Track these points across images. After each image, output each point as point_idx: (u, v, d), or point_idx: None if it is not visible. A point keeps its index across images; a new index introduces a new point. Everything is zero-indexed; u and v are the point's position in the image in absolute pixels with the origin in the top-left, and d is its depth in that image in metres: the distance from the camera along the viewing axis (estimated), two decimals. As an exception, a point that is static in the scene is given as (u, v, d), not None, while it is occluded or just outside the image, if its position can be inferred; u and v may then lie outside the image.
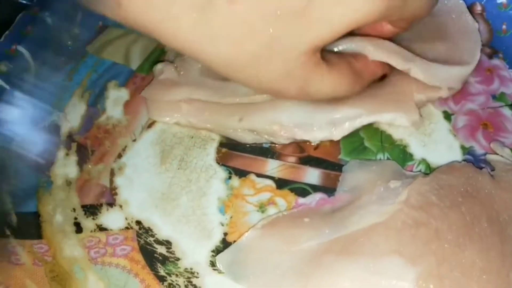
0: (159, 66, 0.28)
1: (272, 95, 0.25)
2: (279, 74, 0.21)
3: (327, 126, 0.25)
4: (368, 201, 0.24)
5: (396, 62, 0.25)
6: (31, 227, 0.24)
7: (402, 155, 0.26)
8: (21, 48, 0.29)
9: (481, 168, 0.25)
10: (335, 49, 0.24)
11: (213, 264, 0.23)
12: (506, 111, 0.28)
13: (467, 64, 0.26)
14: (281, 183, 0.26)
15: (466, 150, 0.26)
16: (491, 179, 0.24)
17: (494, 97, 0.28)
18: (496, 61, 0.29)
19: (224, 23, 0.19)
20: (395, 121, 0.26)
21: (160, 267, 0.23)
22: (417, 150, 0.26)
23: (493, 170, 0.25)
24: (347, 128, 0.26)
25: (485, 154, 0.26)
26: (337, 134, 0.25)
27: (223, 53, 0.20)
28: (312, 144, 0.26)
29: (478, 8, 0.30)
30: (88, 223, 0.25)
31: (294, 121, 0.25)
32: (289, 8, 0.19)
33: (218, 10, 0.18)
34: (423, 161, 0.26)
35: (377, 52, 0.24)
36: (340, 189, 0.25)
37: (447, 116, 0.27)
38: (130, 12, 0.19)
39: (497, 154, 0.26)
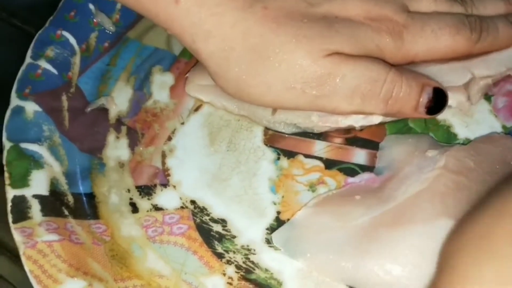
0: None
1: (299, 90, 0.23)
2: (304, 60, 0.23)
3: None
4: (409, 171, 0.25)
5: (454, 81, 0.25)
6: (87, 207, 0.25)
7: (446, 135, 0.27)
8: (66, 33, 0.29)
9: None
10: None
11: (268, 241, 0.24)
12: (545, 91, 0.28)
13: None
14: (329, 163, 0.26)
15: (507, 130, 0.27)
16: None
17: (532, 78, 0.28)
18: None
19: (258, 20, 0.23)
20: None
21: (217, 244, 0.24)
22: (460, 130, 0.27)
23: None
24: None
25: (525, 134, 0.27)
26: (376, 119, 0.25)
27: (252, 46, 0.23)
28: (356, 128, 0.27)
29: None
30: (143, 203, 0.25)
31: None
32: (313, 18, 0.23)
33: (255, 12, 0.23)
34: (467, 140, 0.27)
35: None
36: (379, 165, 0.26)
37: (487, 97, 0.28)
38: (183, 11, 0.23)
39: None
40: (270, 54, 0.22)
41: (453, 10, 0.25)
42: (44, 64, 0.28)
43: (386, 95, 0.23)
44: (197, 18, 0.23)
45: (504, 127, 0.27)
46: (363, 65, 0.23)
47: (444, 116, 0.27)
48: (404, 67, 0.24)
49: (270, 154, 0.27)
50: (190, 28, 0.23)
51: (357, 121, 0.25)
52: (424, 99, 0.24)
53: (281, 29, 0.22)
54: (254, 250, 0.24)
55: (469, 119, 0.27)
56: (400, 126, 0.27)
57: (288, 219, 0.24)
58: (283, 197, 0.25)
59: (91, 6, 0.30)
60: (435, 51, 0.24)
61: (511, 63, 0.25)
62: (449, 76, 0.25)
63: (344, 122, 0.25)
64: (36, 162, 0.25)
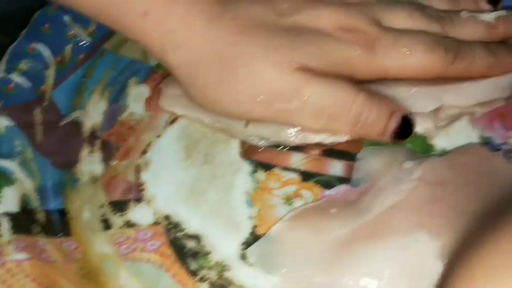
0: None
1: (267, 101, 0.23)
2: (273, 71, 0.22)
3: None
4: (386, 183, 0.25)
5: (422, 107, 0.24)
6: (59, 224, 0.24)
7: (423, 145, 0.27)
8: (40, 46, 0.29)
9: (497, 151, 0.26)
10: None
11: (243, 257, 0.24)
12: (522, 101, 0.28)
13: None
14: (306, 176, 0.26)
15: (485, 140, 0.27)
16: (506, 161, 0.25)
17: (510, 88, 0.28)
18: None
19: (226, 30, 0.23)
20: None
21: (191, 261, 0.23)
22: (437, 141, 0.27)
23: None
24: None
25: (503, 144, 0.27)
26: (343, 137, 0.25)
27: (220, 55, 0.23)
28: (324, 144, 0.26)
29: None
30: (116, 220, 0.25)
31: None
32: (282, 29, 0.23)
33: (223, 22, 0.23)
34: (444, 152, 0.26)
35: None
36: (356, 177, 0.26)
37: (466, 107, 0.28)
38: (152, 23, 0.23)
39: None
40: (238, 65, 0.22)
41: (430, 29, 0.25)
42: (17, 77, 0.28)
43: (354, 119, 0.23)
44: (166, 29, 0.23)
45: (481, 137, 0.27)
46: (331, 86, 0.23)
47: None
48: (374, 90, 0.24)
49: (247, 167, 0.26)
50: (160, 39, 0.23)
51: (325, 138, 0.25)
52: (392, 126, 0.24)
53: (249, 40, 0.22)
54: (229, 266, 0.23)
55: (446, 129, 0.27)
56: (378, 137, 0.27)
57: (264, 234, 0.24)
58: (259, 210, 0.25)
59: (66, 18, 0.30)
60: (407, 68, 0.24)
61: (482, 97, 0.25)
62: (417, 101, 0.24)
63: (312, 139, 0.25)
64: (7, 178, 0.24)
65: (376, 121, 0.23)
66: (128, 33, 0.23)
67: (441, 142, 0.27)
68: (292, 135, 0.25)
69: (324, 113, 0.23)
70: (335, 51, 0.23)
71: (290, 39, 0.23)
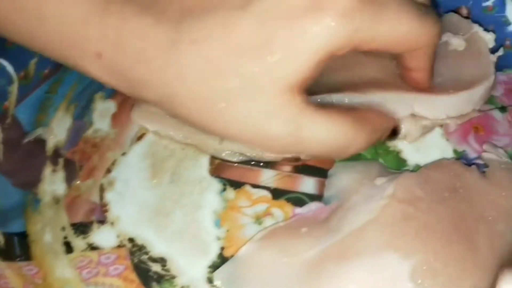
0: None
1: (258, 144, 0.22)
2: (260, 113, 0.20)
3: None
4: (357, 200, 0.24)
5: (394, 111, 0.24)
6: (19, 248, 0.23)
7: (396, 160, 0.26)
8: (3, 61, 0.28)
9: (470, 165, 0.25)
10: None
11: (210, 280, 0.23)
12: (496, 114, 0.28)
13: (476, 86, 0.25)
14: (277, 193, 0.25)
15: (459, 154, 0.27)
16: (480, 176, 0.25)
17: (483, 100, 0.28)
18: (484, 64, 0.29)
19: (188, 63, 0.19)
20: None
21: (155, 285, 0.23)
22: (410, 155, 0.26)
23: (486, 167, 0.25)
24: None
25: (477, 158, 0.26)
26: None
27: (194, 94, 0.19)
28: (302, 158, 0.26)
29: (464, 11, 0.31)
30: (78, 242, 0.24)
31: None
32: (251, 43, 0.19)
33: (182, 51, 0.19)
34: (417, 167, 0.26)
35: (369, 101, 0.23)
36: (327, 194, 0.25)
37: (439, 120, 0.27)
38: (108, 63, 0.20)
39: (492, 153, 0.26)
40: (214, 101, 0.19)
41: None
42: (-23, 94, 0.27)
43: (349, 155, 0.23)
44: (124, 67, 0.20)
45: (455, 151, 0.27)
46: (329, 128, 0.21)
47: (394, 141, 0.27)
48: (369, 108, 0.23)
49: (216, 184, 0.25)
50: (122, 80, 0.21)
51: None
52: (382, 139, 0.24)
53: (218, 68, 0.19)
54: (195, 290, 0.23)
55: (420, 143, 0.27)
56: (350, 152, 0.27)
57: (232, 255, 0.23)
58: (227, 231, 0.24)
59: (31, 31, 0.29)
60: (397, 36, 0.20)
61: (453, 111, 0.25)
62: (392, 106, 0.24)
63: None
64: (-37, 201, 0.23)
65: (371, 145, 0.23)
66: (87, 74, 0.22)
67: (414, 156, 0.27)
68: (268, 152, 0.24)
69: (320, 154, 0.22)
70: (308, 34, 0.18)
71: (261, 51, 0.18)
